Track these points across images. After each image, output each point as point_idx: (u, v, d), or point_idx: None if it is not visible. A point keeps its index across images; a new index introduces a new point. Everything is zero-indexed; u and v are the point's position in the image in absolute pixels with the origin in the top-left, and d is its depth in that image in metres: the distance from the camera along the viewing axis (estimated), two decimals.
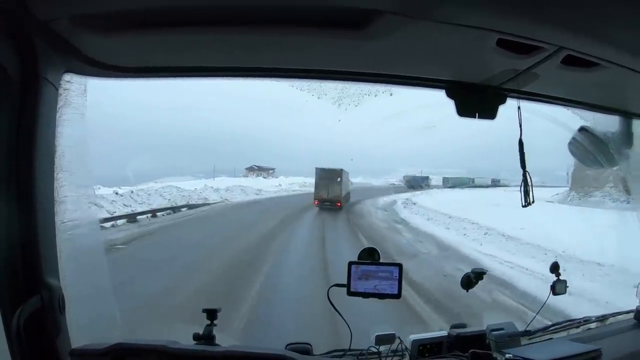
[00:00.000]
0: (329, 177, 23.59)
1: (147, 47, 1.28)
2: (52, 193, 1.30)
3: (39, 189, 1.22)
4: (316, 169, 24.61)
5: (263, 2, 1.06)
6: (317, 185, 24.18)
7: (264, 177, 45.20)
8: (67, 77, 1.34)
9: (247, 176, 44.87)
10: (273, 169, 49.20)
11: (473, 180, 43.82)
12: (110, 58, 1.33)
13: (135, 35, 1.18)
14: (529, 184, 1.50)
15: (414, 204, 24.23)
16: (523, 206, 1.50)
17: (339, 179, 24.01)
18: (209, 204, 24.32)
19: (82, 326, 1.42)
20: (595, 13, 1.05)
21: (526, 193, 1.50)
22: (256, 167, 48.26)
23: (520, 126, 1.51)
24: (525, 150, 1.50)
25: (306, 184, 39.10)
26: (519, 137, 1.51)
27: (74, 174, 1.39)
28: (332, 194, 23.44)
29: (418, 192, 33.02)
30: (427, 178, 44.87)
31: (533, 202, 1.49)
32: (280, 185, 39.30)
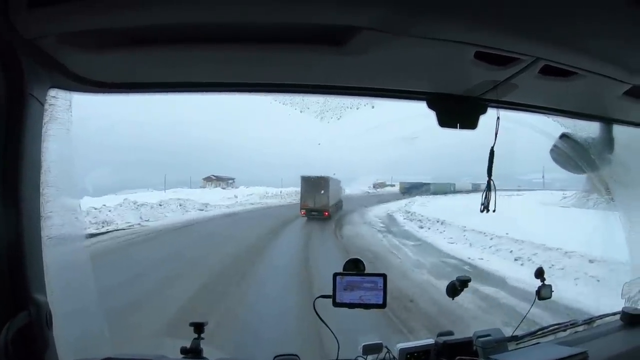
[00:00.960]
0: (314, 186, 22.85)
1: (130, 63, 1.29)
2: (38, 209, 1.30)
3: (24, 205, 1.22)
4: (301, 177, 23.78)
5: (246, 20, 1.08)
6: (302, 194, 23.35)
7: (223, 188, 40.57)
8: (53, 92, 1.34)
9: (204, 187, 40.62)
10: (233, 179, 45.36)
11: (454, 185, 42.82)
12: (95, 74, 1.35)
13: (119, 52, 1.20)
14: (492, 191, 1.54)
15: (422, 218, 19.74)
16: (481, 211, 1.53)
17: (325, 188, 23.30)
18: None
19: (70, 342, 1.41)
20: (569, 24, 1.09)
21: (487, 200, 1.54)
22: (214, 177, 44.32)
23: (496, 135, 1.54)
24: (494, 159, 1.54)
25: (268, 194, 37.01)
26: (491, 146, 1.54)
27: (60, 189, 1.39)
28: (318, 203, 22.66)
29: (406, 201, 31.06)
30: (428, 184, 42.64)
31: (494, 210, 1.53)
32: (235, 197, 33.62)
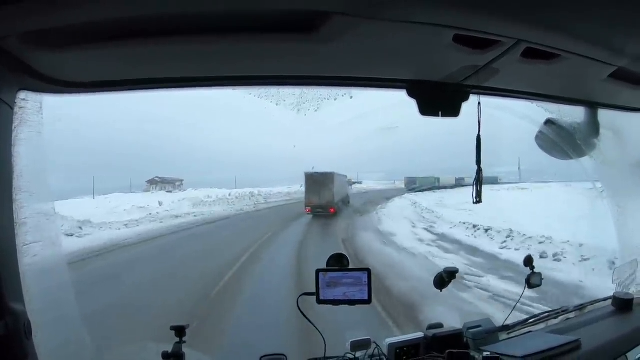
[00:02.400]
0: (319, 182, 22.84)
1: (98, 61, 1.25)
2: (11, 215, 1.26)
3: None
4: (305, 174, 23.86)
5: (213, 10, 1.05)
6: (307, 191, 23.43)
7: (169, 191, 35.33)
8: (22, 95, 1.31)
9: (148, 191, 35.56)
10: (181, 181, 40.14)
11: (439, 179, 41.28)
12: (64, 74, 1.31)
13: (86, 50, 1.16)
14: (481, 181, 1.51)
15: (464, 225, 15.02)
16: (474, 202, 1.51)
17: (330, 184, 23.33)
18: None
19: (51, 350, 1.38)
20: (551, 4, 1.05)
21: (478, 190, 1.51)
22: (159, 179, 39.12)
23: (479, 123, 1.52)
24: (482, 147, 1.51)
25: (209, 198, 29.72)
26: (477, 134, 1.52)
27: (33, 194, 1.36)
28: (323, 199, 22.68)
29: (409, 198, 28.79)
30: (438, 178, 41.29)
31: (480, 201, 1.50)
32: (160, 205, 25.03)
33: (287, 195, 39.56)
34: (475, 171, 1.55)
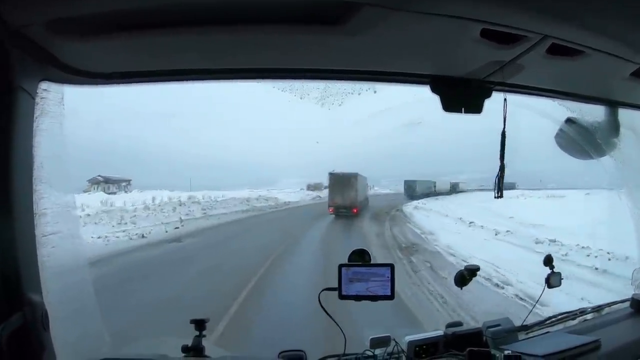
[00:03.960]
0: (343, 182, 23.20)
1: (123, 51, 1.25)
2: (31, 206, 1.26)
3: (17, 202, 1.18)
4: (329, 174, 24.22)
5: (241, 0, 1.04)
6: (331, 191, 23.98)
7: (112, 193, 30.25)
8: (44, 85, 1.30)
9: (88, 191, 30.05)
10: (128, 181, 35.14)
11: (435, 184, 38.94)
12: (86, 65, 1.30)
13: (111, 40, 1.16)
14: (503, 177, 1.52)
15: None
16: (495, 197, 1.51)
17: (354, 184, 23.65)
18: None
19: (68, 342, 1.38)
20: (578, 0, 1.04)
21: (500, 186, 1.52)
22: (102, 179, 33.68)
23: (505, 119, 1.51)
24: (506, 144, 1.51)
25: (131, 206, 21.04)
26: (502, 129, 1.52)
27: (53, 185, 1.35)
28: (347, 199, 23.04)
29: (415, 205, 27.54)
30: (434, 183, 38.94)
31: (502, 196, 1.51)
32: None
33: (245, 202, 32.14)
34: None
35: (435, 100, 1.47)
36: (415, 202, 30.19)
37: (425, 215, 21.56)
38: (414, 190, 37.08)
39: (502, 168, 1.51)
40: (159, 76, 1.39)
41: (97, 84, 1.38)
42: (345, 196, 23.17)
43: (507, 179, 1.51)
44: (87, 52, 1.23)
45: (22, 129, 1.21)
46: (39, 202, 1.30)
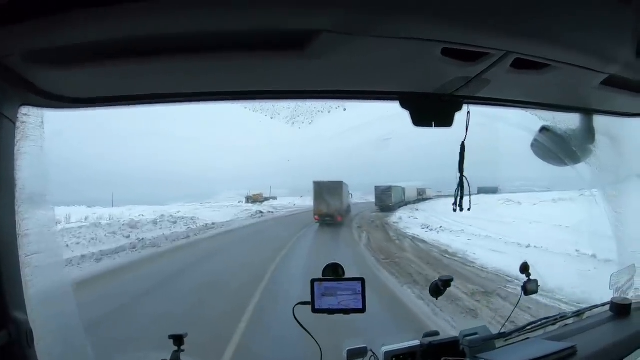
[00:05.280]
0: (328, 191, 22.70)
1: (101, 78, 1.29)
2: (14, 227, 1.30)
3: (0, 224, 1.22)
4: (314, 182, 23.60)
5: (209, 29, 1.08)
6: (316, 199, 23.24)
7: None
8: (24, 110, 1.34)
9: None
10: None
11: (404, 189, 32.29)
12: (65, 90, 1.34)
13: (86, 67, 1.19)
14: (465, 189, 1.53)
15: None
16: (454, 210, 1.53)
17: (339, 192, 23.24)
18: None
19: (53, 358, 1.41)
20: (538, 15, 1.06)
21: (461, 199, 1.53)
22: None
23: (467, 130, 1.53)
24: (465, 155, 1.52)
25: None
26: (462, 141, 1.54)
27: (35, 206, 1.39)
28: (332, 208, 22.61)
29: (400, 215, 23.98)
30: (404, 189, 32.05)
31: (469, 208, 1.52)
32: None
33: (127, 229, 18.54)
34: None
35: (404, 115, 1.50)
36: (396, 217, 25.03)
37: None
38: (388, 199, 29.57)
39: (461, 180, 1.53)
40: (134, 100, 1.43)
41: (75, 107, 1.42)
42: (330, 204, 22.69)
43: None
44: (65, 79, 1.26)
45: (4, 153, 1.25)
46: (21, 223, 1.34)
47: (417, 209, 28.45)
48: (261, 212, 31.16)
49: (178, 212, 26.42)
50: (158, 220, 22.77)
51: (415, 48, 1.15)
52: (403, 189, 31.81)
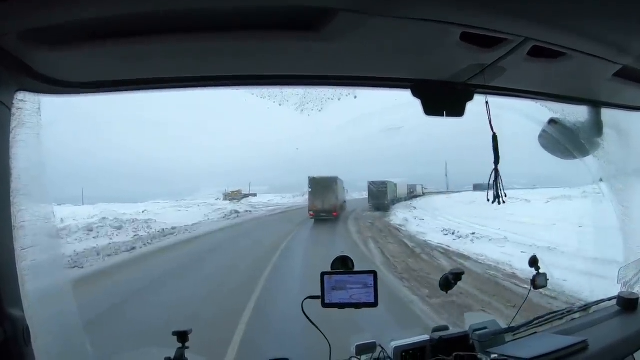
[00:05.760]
0: (323, 186, 22.63)
1: (101, 60, 1.23)
2: (9, 218, 1.24)
3: None
4: (309, 178, 23.41)
5: (214, 6, 1.03)
6: (311, 195, 23.06)
7: None
8: (20, 95, 1.28)
9: None
10: None
11: (396, 185, 29.55)
12: (64, 74, 1.29)
13: (89, 48, 1.14)
14: (500, 181, 1.51)
15: None
16: (490, 201, 1.50)
17: (334, 188, 23.17)
18: None
19: (50, 356, 1.36)
20: (560, 2, 1.05)
21: (497, 190, 1.50)
22: None
23: (490, 121, 1.51)
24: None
25: None
26: (493, 133, 1.52)
27: (32, 197, 1.33)
28: (327, 203, 22.54)
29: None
30: (396, 184, 29.42)
31: (504, 202, 1.49)
32: None
33: None
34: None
35: (414, 104, 1.46)
36: (398, 218, 22.02)
37: None
38: (383, 197, 26.48)
39: (496, 172, 1.51)
40: (135, 85, 1.38)
41: (73, 93, 1.36)
42: (325, 200, 22.57)
43: (486, 180, 1.50)
44: (62, 62, 1.21)
45: None
46: (17, 214, 1.28)
47: (414, 207, 25.95)
48: (237, 211, 26.54)
49: (143, 212, 22.38)
50: (96, 226, 17.05)
51: (434, 32, 1.12)
52: (395, 185, 29.59)
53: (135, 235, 16.94)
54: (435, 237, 14.93)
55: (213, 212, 26.04)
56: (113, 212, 19.88)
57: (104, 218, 18.60)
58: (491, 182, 1.50)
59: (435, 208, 23.20)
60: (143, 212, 22.41)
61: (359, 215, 24.50)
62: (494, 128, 1.53)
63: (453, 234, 15.27)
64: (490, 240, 13.27)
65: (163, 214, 23.05)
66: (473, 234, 14.62)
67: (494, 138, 1.54)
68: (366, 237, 16.02)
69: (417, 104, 1.47)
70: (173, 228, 19.47)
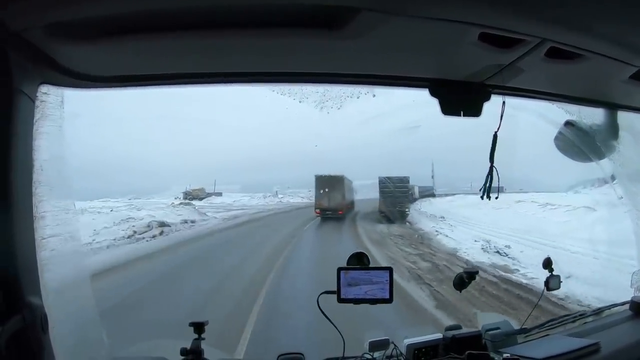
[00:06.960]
0: (329, 185, 22.55)
1: (123, 55, 1.26)
2: (30, 209, 1.26)
3: (16, 205, 1.18)
4: (315, 176, 23.30)
5: (240, 3, 1.04)
6: (317, 194, 22.98)
7: None
8: (44, 88, 1.31)
9: None
10: None
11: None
12: (86, 68, 1.31)
13: (110, 43, 1.16)
14: (495, 179, 1.53)
15: None
16: (482, 197, 1.53)
17: (340, 186, 23.07)
18: None
19: (67, 345, 1.38)
20: (576, 3, 1.05)
21: (489, 187, 1.53)
22: None
23: (501, 120, 1.52)
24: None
25: None
26: (495, 131, 1.53)
27: (53, 188, 1.36)
28: (333, 202, 22.43)
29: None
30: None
31: (497, 197, 1.53)
32: None
33: None
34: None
35: (432, 104, 1.47)
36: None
37: None
38: (405, 198, 21.52)
39: (491, 169, 1.52)
40: (158, 79, 1.40)
41: (95, 87, 1.38)
42: (331, 198, 22.49)
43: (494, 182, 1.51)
44: (85, 55, 1.23)
45: (22, 132, 1.22)
46: (38, 205, 1.30)
47: (441, 217, 19.44)
48: (164, 224, 16.71)
49: None
50: None
51: (453, 31, 1.13)
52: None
53: None
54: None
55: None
56: None
57: None
58: (491, 182, 1.53)
59: (447, 210, 19.42)
60: None
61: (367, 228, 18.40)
62: (500, 128, 1.55)
63: (498, 252, 11.20)
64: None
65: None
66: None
67: (495, 137, 1.55)
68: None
69: (434, 103, 1.47)
70: None
